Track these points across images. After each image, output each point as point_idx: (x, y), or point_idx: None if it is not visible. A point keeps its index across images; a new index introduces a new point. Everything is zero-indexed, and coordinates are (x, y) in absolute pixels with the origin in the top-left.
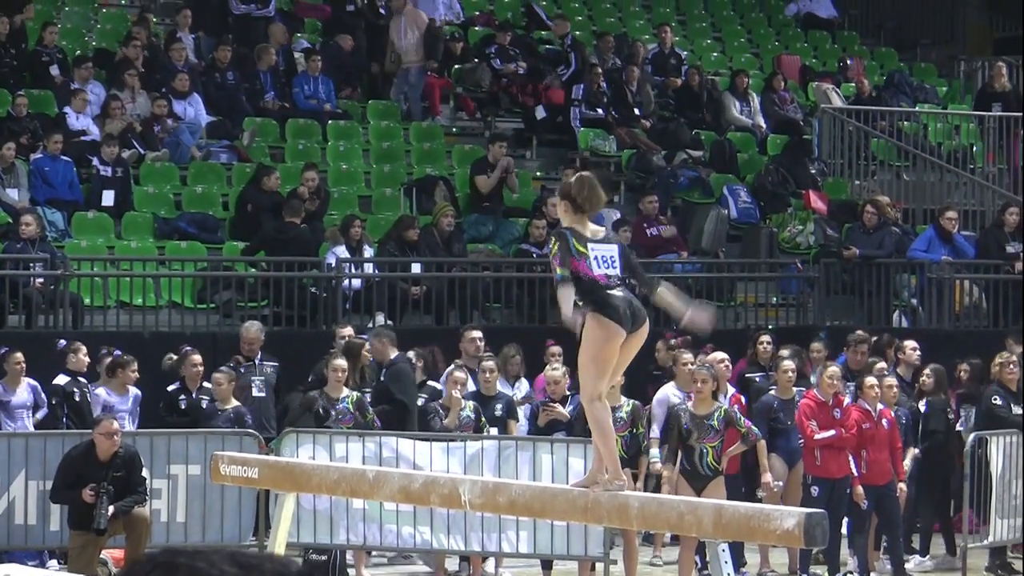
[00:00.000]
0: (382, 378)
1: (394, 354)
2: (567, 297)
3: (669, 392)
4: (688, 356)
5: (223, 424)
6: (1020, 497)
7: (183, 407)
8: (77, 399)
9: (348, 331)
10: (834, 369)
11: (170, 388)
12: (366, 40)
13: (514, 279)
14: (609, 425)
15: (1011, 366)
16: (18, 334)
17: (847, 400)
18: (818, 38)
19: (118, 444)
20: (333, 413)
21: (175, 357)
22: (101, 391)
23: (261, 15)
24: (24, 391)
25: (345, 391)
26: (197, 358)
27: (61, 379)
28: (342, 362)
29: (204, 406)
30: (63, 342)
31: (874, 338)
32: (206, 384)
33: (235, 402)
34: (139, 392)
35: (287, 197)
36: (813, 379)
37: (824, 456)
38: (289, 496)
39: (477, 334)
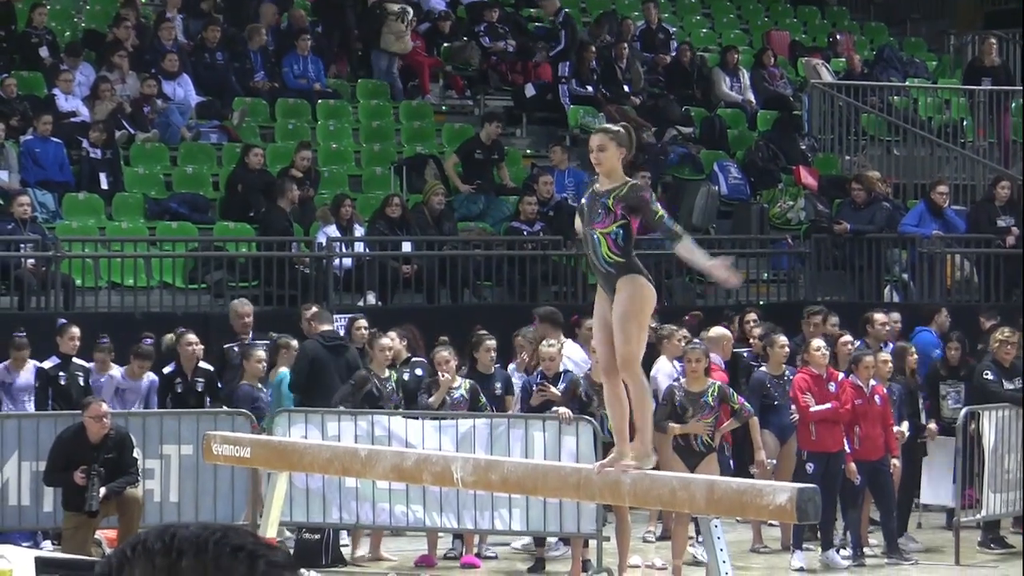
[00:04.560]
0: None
1: (321, 330)
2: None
3: (669, 368)
4: (683, 332)
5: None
6: (1015, 471)
7: (179, 391)
8: (62, 383)
9: (314, 310)
10: (819, 342)
11: (166, 371)
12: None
13: (505, 257)
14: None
15: (1009, 346)
16: (10, 316)
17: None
18: (807, 13)
19: (108, 426)
20: (384, 393)
21: (174, 336)
22: (116, 373)
23: None
24: (28, 374)
25: (387, 371)
26: (192, 337)
27: (48, 363)
28: (388, 341)
29: (199, 389)
30: (62, 321)
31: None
32: (202, 365)
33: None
34: (156, 378)
35: (278, 177)
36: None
37: (819, 431)
38: (282, 475)
39: (492, 343)
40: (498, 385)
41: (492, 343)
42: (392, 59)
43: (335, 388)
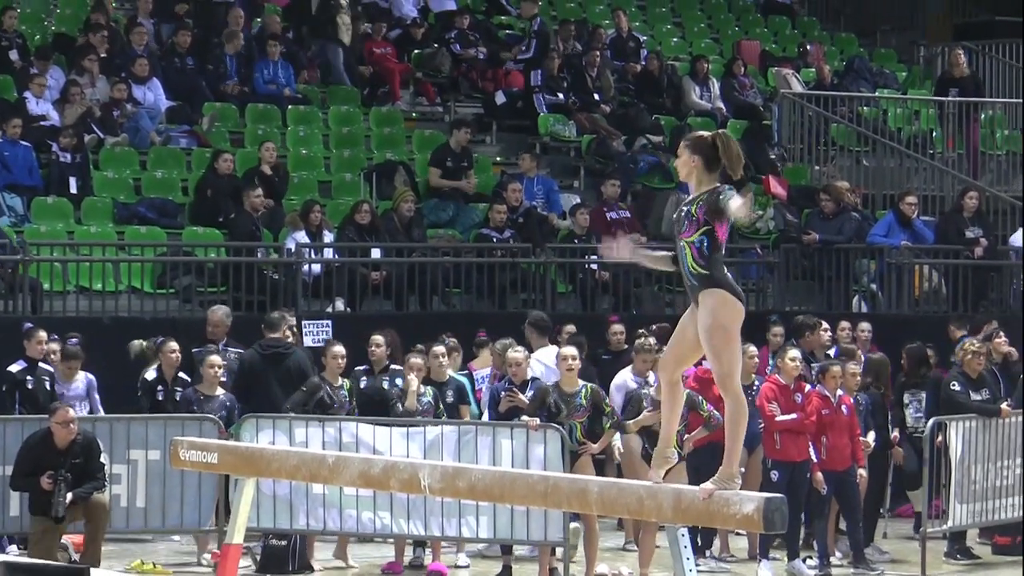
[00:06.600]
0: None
1: (268, 337)
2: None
3: (626, 377)
4: (652, 341)
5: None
6: (982, 482)
7: (160, 398)
8: (30, 387)
9: (276, 315)
10: (795, 352)
11: (149, 376)
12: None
13: (474, 264)
14: None
15: (980, 357)
16: None
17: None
18: (778, 23)
19: (75, 432)
20: (336, 401)
21: (144, 343)
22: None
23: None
24: None
25: (340, 379)
26: (174, 345)
27: (15, 366)
28: (341, 349)
29: (178, 397)
30: (29, 324)
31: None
32: (181, 375)
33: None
34: (92, 377)
35: (243, 178)
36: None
37: (784, 440)
38: (249, 481)
39: (440, 349)
40: (449, 393)
41: (440, 349)
42: (339, 51)
43: (275, 395)
